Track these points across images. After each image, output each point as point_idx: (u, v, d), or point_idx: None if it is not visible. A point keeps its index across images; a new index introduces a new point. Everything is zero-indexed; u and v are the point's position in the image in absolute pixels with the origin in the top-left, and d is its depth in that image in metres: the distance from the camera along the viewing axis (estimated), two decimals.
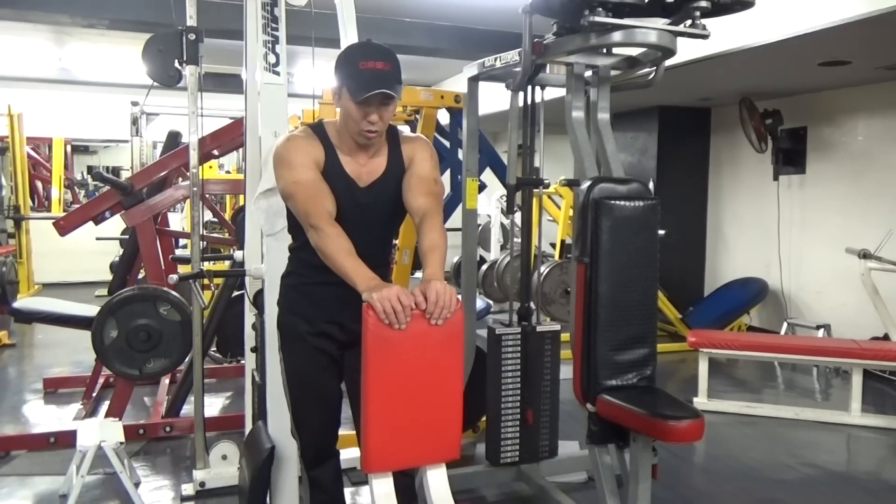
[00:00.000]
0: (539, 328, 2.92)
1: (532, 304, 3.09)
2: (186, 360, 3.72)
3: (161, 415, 3.90)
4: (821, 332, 5.56)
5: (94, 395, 4.29)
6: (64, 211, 8.05)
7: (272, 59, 2.51)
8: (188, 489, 3.08)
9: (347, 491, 3.08)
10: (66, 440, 3.40)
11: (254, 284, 2.64)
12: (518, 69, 2.74)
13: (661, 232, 2.49)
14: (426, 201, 1.94)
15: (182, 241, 6.02)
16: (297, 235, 2.05)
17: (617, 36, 2.42)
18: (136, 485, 3.09)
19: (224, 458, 3.12)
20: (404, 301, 1.66)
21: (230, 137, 4.35)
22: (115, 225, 6.68)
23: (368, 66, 1.83)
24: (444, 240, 1.89)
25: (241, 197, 5.24)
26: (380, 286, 1.68)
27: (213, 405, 4.35)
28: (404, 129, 3.02)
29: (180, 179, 4.54)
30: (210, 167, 5.59)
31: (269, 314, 2.39)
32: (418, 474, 1.90)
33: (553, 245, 6.58)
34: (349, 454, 3.15)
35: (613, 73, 2.85)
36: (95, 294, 7.44)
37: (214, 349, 4.47)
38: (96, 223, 4.21)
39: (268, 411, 2.44)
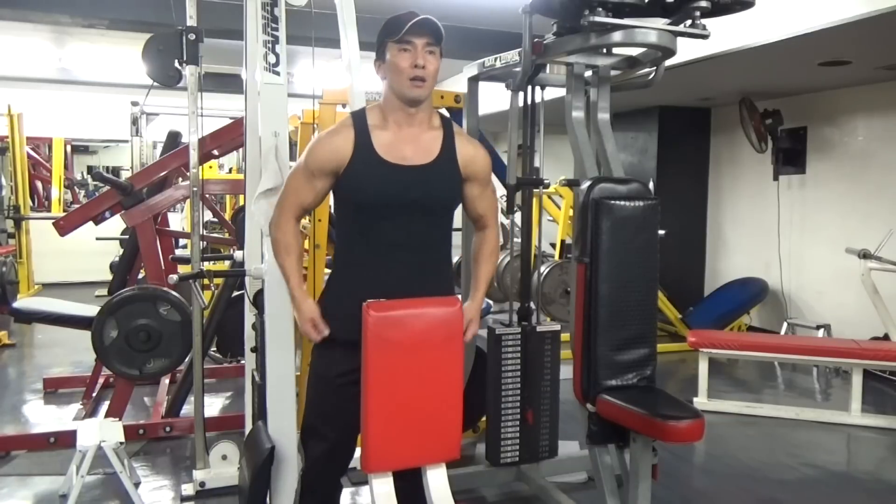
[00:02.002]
0: (539, 328, 2.92)
1: (532, 304, 3.09)
2: (186, 360, 3.72)
3: (161, 415, 3.90)
4: (821, 332, 5.56)
5: (94, 395, 4.29)
6: (64, 211, 8.04)
7: (272, 59, 2.51)
8: (188, 489, 3.08)
9: (347, 491, 3.09)
10: (66, 440, 3.40)
11: (254, 284, 2.63)
12: (518, 69, 2.74)
13: (661, 232, 2.49)
14: (491, 220, 2.12)
15: (182, 241, 6.02)
16: (341, 239, 2.06)
17: (617, 36, 2.42)
18: (136, 485, 3.09)
19: (224, 458, 3.12)
20: (314, 325, 1.93)
21: (230, 137, 4.35)
22: (115, 225, 6.69)
23: (408, 15, 1.89)
24: (495, 263, 2.16)
25: (241, 197, 5.24)
26: (301, 305, 1.93)
27: (213, 405, 4.35)
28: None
29: (180, 179, 4.53)
30: (210, 167, 5.59)
31: (269, 314, 2.39)
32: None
33: (553, 245, 6.58)
34: None
35: (613, 73, 2.85)
36: (95, 294, 7.44)
37: (214, 349, 4.47)
38: (96, 223, 4.20)
39: (268, 411, 2.43)
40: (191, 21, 3.03)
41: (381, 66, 1.95)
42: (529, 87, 2.96)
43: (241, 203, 5.20)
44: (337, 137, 1.95)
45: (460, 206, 2.13)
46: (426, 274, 1.96)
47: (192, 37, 3.03)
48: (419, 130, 1.96)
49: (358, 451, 1.82)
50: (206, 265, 3.26)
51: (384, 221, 1.91)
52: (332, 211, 2.09)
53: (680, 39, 2.51)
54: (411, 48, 1.87)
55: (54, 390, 4.60)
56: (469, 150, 2.03)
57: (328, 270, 3.63)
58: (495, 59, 2.93)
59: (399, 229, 1.91)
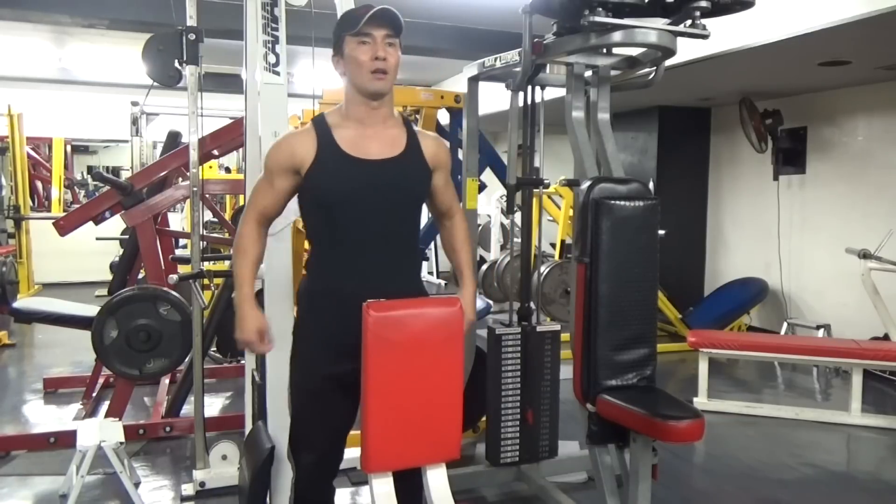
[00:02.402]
0: (539, 328, 2.92)
1: (532, 304, 3.09)
2: (186, 360, 3.72)
3: (161, 415, 3.90)
4: (821, 332, 5.56)
5: (94, 395, 4.29)
6: (64, 211, 8.04)
7: (272, 59, 2.52)
8: (188, 489, 3.08)
9: (347, 491, 3.09)
10: (66, 440, 3.40)
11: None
12: (518, 69, 2.74)
13: (661, 232, 2.49)
14: (457, 208, 2.15)
15: (182, 241, 6.03)
16: (312, 241, 2.00)
17: (617, 36, 2.42)
18: (136, 485, 3.09)
19: (224, 458, 3.12)
20: (263, 333, 1.92)
21: (230, 137, 4.35)
22: (115, 225, 6.69)
23: (365, 8, 1.85)
24: (471, 246, 2.20)
25: (241, 197, 5.25)
26: (246, 314, 1.90)
27: (213, 405, 4.35)
28: None
29: (180, 179, 4.54)
30: (210, 167, 5.59)
31: (268, 314, 2.38)
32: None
33: (553, 245, 6.58)
34: (349, 454, 3.17)
35: (613, 73, 2.85)
36: (95, 294, 7.44)
37: (214, 349, 4.47)
38: (96, 223, 4.20)
39: (268, 411, 2.44)
40: (191, 21, 3.03)
41: (339, 61, 1.90)
42: (529, 87, 2.96)
43: (241, 203, 5.20)
44: (296, 137, 1.93)
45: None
46: (396, 269, 1.94)
47: (192, 37, 3.03)
48: (382, 126, 1.93)
49: (358, 451, 1.81)
50: (206, 265, 3.26)
51: (353, 218, 1.87)
52: (300, 216, 2.03)
53: (680, 39, 2.51)
54: (370, 41, 1.83)
55: (54, 390, 4.59)
56: (433, 144, 2.03)
57: None
58: (495, 59, 2.93)
59: (368, 225, 1.88)
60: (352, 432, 2.19)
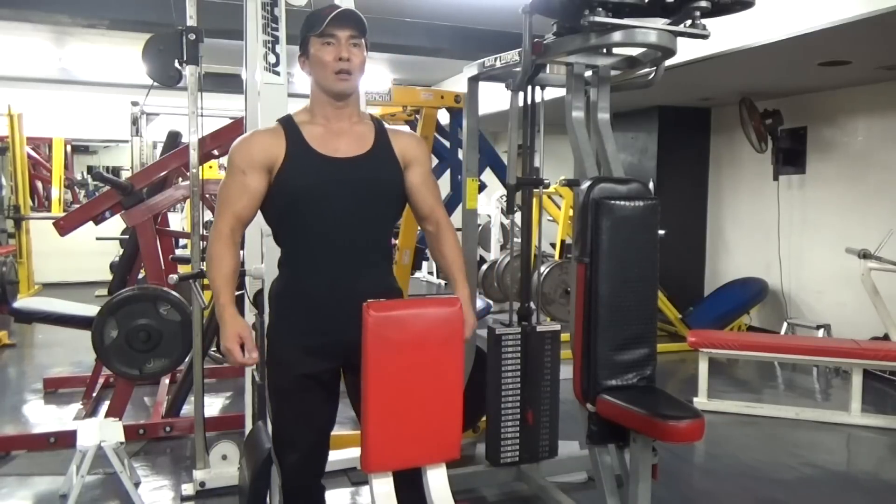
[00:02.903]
0: (539, 328, 2.92)
1: (532, 304, 3.09)
2: (186, 360, 3.72)
3: (161, 415, 3.90)
4: (821, 332, 5.56)
5: (94, 395, 4.29)
6: (64, 211, 8.04)
7: (272, 59, 2.52)
8: (188, 489, 3.08)
9: (347, 491, 3.09)
10: (66, 440, 3.40)
11: (254, 284, 2.64)
12: (518, 69, 2.74)
13: (661, 232, 2.49)
14: (441, 211, 2.03)
15: (182, 241, 6.03)
16: (281, 243, 1.97)
17: (617, 36, 2.42)
18: (136, 485, 3.09)
19: (224, 458, 3.12)
20: (243, 341, 1.81)
21: (230, 137, 4.33)
22: (115, 225, 6.68)
23: (329, 8, 1.84)
24: (461, 251, 2.06)
25: None
26: (226, 322, 1.80)
27: (213, 405, 4.35)
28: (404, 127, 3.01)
29: (180, 179, 4.54)
30: (210, 167, 5.59)
31: (268, 314, 2.38)
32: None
33: (553, 245, 6.58)
34: (349, 454, 3.17)
35: (613, 73, 2.85)
36: (95, 294, 7.44)
37: (214, 349, 4.47)
38: (96, 223, 4.20)
39: (268, 411, 2.43)
40: (191, 21, 3.03)
41: (305, 61, 1.90)
42: (529, 87, 2.96)
43: None
44: (266, 134, 1.91)
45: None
46: (366, 269, 1.91)
47: (192, 37, 3.03)
48: (349, 124, 1.92)
49: (358, 451, 1.81)
50: None
51: (321, 216, 1.85)
52: (266, 218, 1.99)
53: (680, 39, 2.51)
54: (334, 41, 1.83)
55: (54, 390, 4.60)
56: (403, 138, 2.00)
57: None
58: (495, 59, 2.93)
59: (337, 224, 1.85)
60: (352, 432, 2.19)
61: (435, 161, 4.66)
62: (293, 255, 1.92)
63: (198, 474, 3.09)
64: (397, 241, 3.71)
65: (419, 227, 2.24)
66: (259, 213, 1.94)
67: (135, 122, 7.81)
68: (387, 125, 2.03)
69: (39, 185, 9.72)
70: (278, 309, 1.95)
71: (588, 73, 2.78)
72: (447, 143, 4.49)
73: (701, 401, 4.41)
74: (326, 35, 1.83)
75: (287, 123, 1.91)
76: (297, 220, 1.88)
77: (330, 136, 1.89)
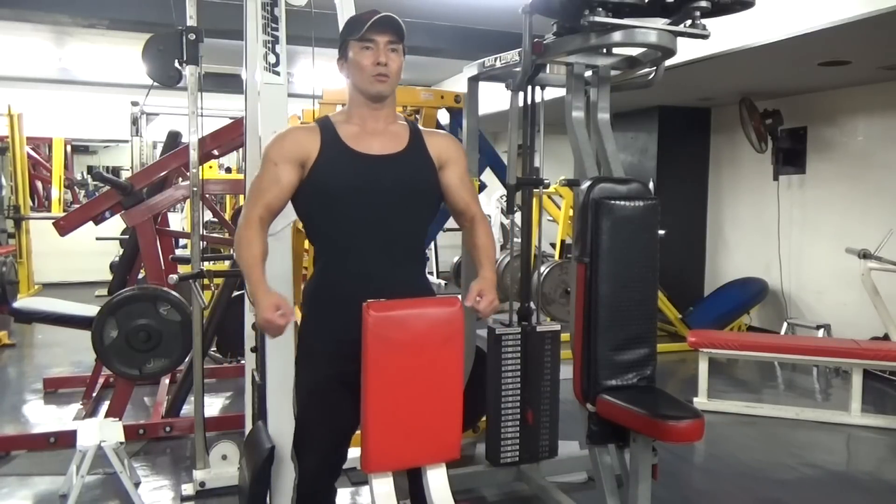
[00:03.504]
0: (539, 328, 2.92)
1: (532, 304, 3.09)
2: (186, 360, 3.72)
3: (161, 415, 3.90)
4: (821, 332, 5.56)
5: (94, 395, 4.29)
6: (64, 211, 8.05)
7: (272, 59, 2.51)
8: (188, 489, 3.08)
9: (347, 491, 3.09)
10: (66, 440, 3.40)
11: None
12: (518, 69, 2.74)
13: (661, 232, 2.49)
14: (476, 207, 2.06)
15: (182, 241, 6.02)
16: (315, 241, 1.99)
17: (617, 36, 2.42)
18: (136, 485, 3.09)
19: (224, 458, 3.12)
20: (280, 308, 1.75)
21: (230, 137, 4.35)
22: (115, 225, 6.69)
23: (369, 13, 1.87)
24: (494, 243, 2.09)
25: (241, 197, 5.24)
26: (260, 297, 1.77)
27: (213, 405, 4.35)
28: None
29: (180, 179, 4.54)
30: (210, 167, 5.59)
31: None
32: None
33: (553, 245, 6.58)
34: (350, 454, 3.16)
35: (613, 73, 2.85)
36: (95, 294, 7.44)
37: (214, 349, 4.47)
38: (96, 223, 4.20)
39: (268, 411, 2.44)
40: (191, 21, 3.03)
41: (343, 64, 1.94)
42: (529, 87, 2.96)
43: (241, 203, 5.20)
44: (302, 130, 1.95)
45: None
46: (398, 268, 1.92)
47: (192, 37, 3.03)
48: (385, 124, 1.95)
49: (358, 451, 1.81)
50: (206, 265, 3.26)
51: (354, 214, 1.87)
52: (299, 216, 2.00)
53: (680, 39, 2.51)
54: (373, 46, 1.86)
55: (54, 390, 4.60)
56: (438, 139, 2.02)
57: None
58: (495, 59, 2.93)
59: (369, 222, 1.87)
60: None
61: None
62: (324, 253, 1.95)
63: (198, 474, 3.09)
64: None
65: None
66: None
67: (135, 122, 7.82)
68: (421, 127, 2.05)
69: (39, 185, 9.73)
70: (311, 308, 1.97)
71: (588, 73, 2.78)
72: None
73: (701, 401, 4.41)
74: (366, 39, 1.86)
75: (324, 122, 1.95)
76: (328, 216, 1.90)
77: (365, 136, 1.92)
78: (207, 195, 5.61)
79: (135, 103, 7.70)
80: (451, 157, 2.01)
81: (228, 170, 8.43)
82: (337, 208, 1.88)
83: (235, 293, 3.83)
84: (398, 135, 1.96)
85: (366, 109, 1.93)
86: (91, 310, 3.90)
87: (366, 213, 1.87)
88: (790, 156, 6.13)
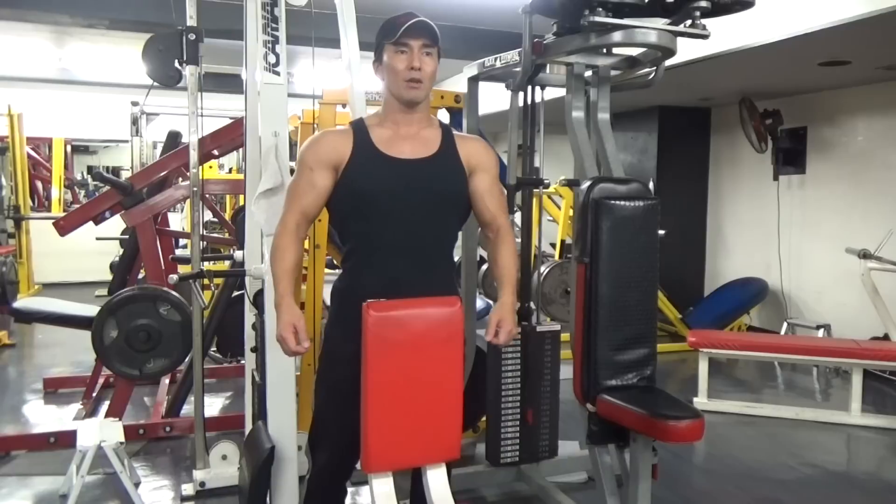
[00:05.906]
0: (539, 328, 2.92)
1: (532, 304, 3.09)
2: (186, 360, 3.72)
3: (161, 415, 3.90)
4: (821, 332, 5.56)
5: (94, 395, 4.29)
6: (64, 211, 8.05)
7: (272, 59, 2.51)
8: (188, 489, 3.08)
9: (347, 491, 3.09)
10: (66, 440, 3.40)
11: (254, 284, 2.64)
12: (518, 69, 2.74)
13: (661, 232, 2.49)
14: (503, 220, 2.03)
15: (182, 241, 6.02)
16: (345, 242, 2.00)
17: (617, 36, 2.42)
18: (136, 485, 3.09)
19: (224, 458, 3.12)
20: (297, 331, 1.81)
21: (230, 137, 4.35)
22: (115, 225, 6.68)
23: (405, 17, 1.89)
24: (517, 261, 2.04)
25: (241, 197, 5.24)
26: (282, 312, 1.82)
27: (213, 405, 4.35)
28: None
29: (180, 179, 4.54)
30: (210, 167, 5.59)
31: (269, 314, 2.39)
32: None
33: (553, 245, 6.58)
34: None
35: (613, 73, 2.85)
36: (95, 294, 7.44)
37: (214, 349, 4.47)
38: (96, 223, 4.20)
39: (268, 411, 2.44)
40: (191, 21, 3.03)
41: (378, 67, 1.96)
42: (529, 87, 2.96)
43: (241, 203, 5.20)
44: (335, 134, 1.99)
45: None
46: (427, 272, 1.94)
47: (192, 37, 3.03)
48: (418, 128, 1.97)
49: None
50: (206, 265, 3.26)
51: (384, 217, 1.89)
52: (330, 217, 2.04)
53: (680, 39, 2.51)
54: (408, 50, 1.88)
55: (54, 390, 4.60)
56: (470, 144, 2.03)
57: (328, 270, 3.65)
58: (495, 59, 2.93)
59: (399, 225, 1.89)
60: None
61: None
62: (354, 254, 1.96)
63: (198, 474, 3.09)
64: None
65: None
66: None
67: (135, 122, 7.80)
68: (455, 132, 2.05)
69: (39, 185, 9.73)
70: (338, 306, 2.00)
71: (588, 73, 2.78)
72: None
73: (701, 401, 4.41)
74: (400, 43, 1.88)
75: (357, 125, 1.98)
76: (359, 218, 1.92)
77: (397, 139, 1.94)
78: (207, 195, 5.62)
79: (135, 103, 7.69)
80: (480, 163, 2.00)
81: (229, 170, 8.45)
82: (366, 211, 1.90)
83: (235, 293, 3.83)
84: (430, 139, 1.97)
85: (399, 114, 1.95)
86: (91, 310, 3.90)
87: (394, 216, 1.89)
88: (790, 156, 6.13)
